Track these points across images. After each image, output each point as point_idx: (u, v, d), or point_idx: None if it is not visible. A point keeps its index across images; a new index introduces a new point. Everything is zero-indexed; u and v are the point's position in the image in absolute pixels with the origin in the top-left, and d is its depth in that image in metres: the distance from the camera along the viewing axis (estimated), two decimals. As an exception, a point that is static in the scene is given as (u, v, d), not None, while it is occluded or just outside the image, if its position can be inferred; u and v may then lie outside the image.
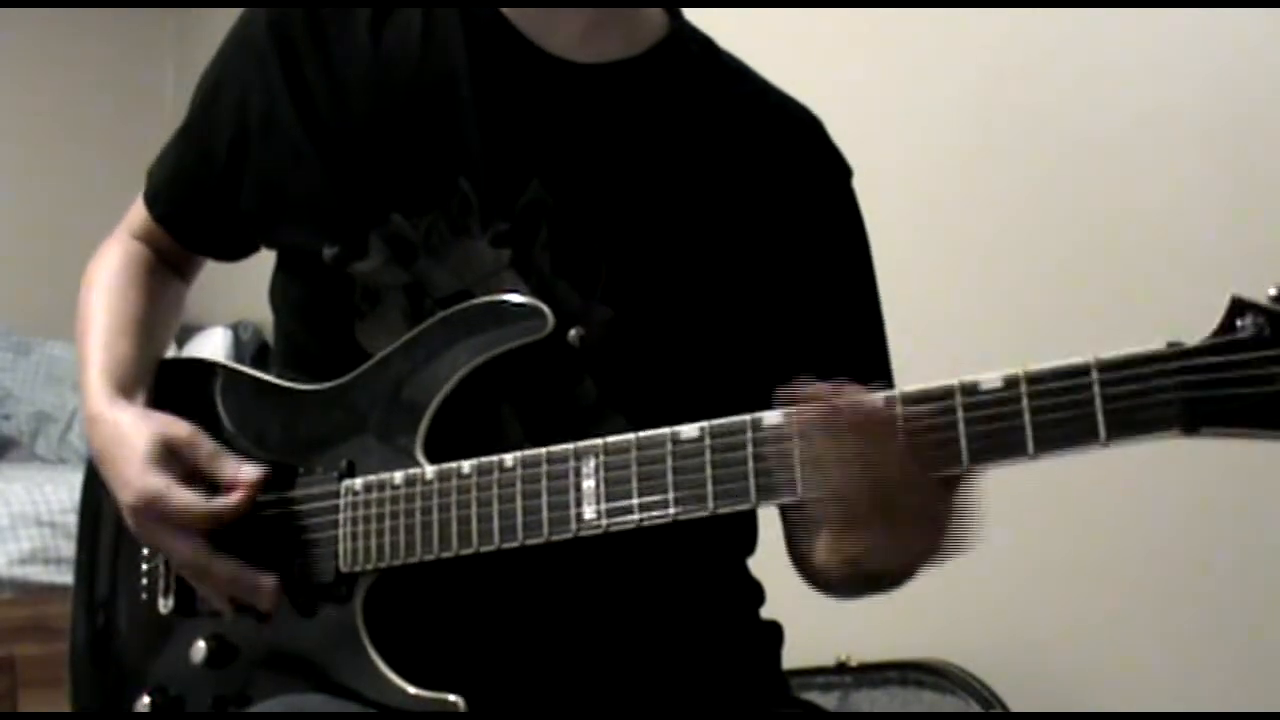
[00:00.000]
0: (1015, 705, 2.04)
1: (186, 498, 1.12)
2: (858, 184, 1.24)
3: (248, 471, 1.13)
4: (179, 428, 1.16)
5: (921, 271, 2.19)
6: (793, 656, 1.26)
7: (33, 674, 3.24)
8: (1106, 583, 2.03)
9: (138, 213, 1.33)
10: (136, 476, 1.13)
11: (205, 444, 1.15)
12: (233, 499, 1.12)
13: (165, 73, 4.81)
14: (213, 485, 1.14)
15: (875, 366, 1.18)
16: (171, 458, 1.14)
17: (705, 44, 1.24)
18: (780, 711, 1.21)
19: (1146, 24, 1.97)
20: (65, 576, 2.87)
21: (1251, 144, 1.86)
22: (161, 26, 4.87)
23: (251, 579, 1.12)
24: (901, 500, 0.91)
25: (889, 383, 1.13)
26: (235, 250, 1.30)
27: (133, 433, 1.16)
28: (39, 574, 3.34)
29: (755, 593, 1.24)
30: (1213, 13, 1.88)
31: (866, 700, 2.17)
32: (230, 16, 1.26)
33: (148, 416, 1.18)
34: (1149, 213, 1.98)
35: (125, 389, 1.22)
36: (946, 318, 2.19)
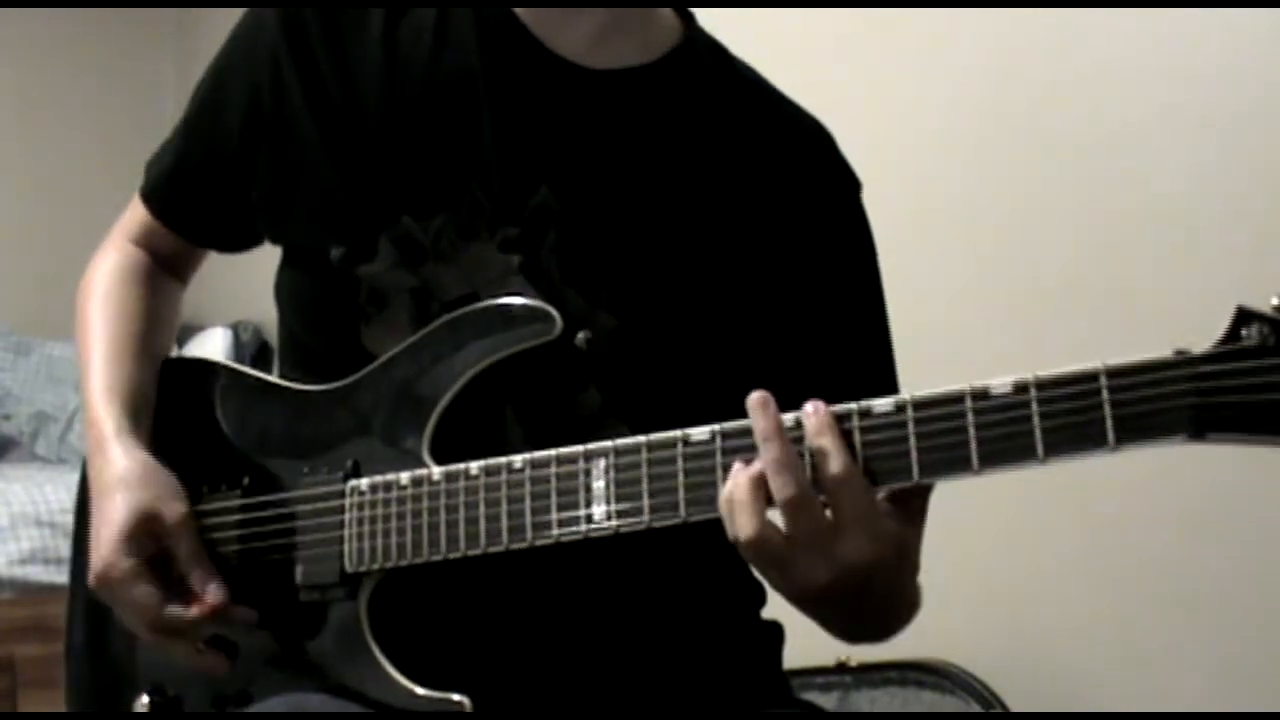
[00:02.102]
0: (1015, 705, 2.04)
1: (141, 594, 1.12)
2: (862, 183, 1.24)
3: (214, 593, 1.13)
4: (170, 508, 1.15)
5: (927, 274, 2.19)
6: (793, 656, 1.26)
7: (33, 674, 3.24)
8: (1107, 583, 2.03)
9: (134, 216, 1.33)
10: (106, 547, 1.13)
11: (187, 541, 1.14)
12: (188, 614, 1.12)
13: (166, 73, 4.81)
14: (180, 577, 1.14)
15: (881, 379, 1.18)
16: (147, 537, 1.14)
17: (718, 52, 1.24)
18: (780, 711, 1.21)
19: (1150, 23, 1.98)
20: (65, 576, 2.86)
21: (1257, 145, 1.86)
22: (162, 27, 4.87)
23: (202, 664, 1.14)
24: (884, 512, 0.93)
25: (893, 390, 1.14)
26: (238, 241, 1.30)
27: (121, 495, 1.15)
28: (39, 574, 3.34)
29: (756, 593, 1.24)
30: (1217, 11, 1.89)
31: (866, 700, 2.17)
32: (231, 16, 1.26)
33: (144, 478, 1.16)
34: (1153, 215, 1.98)
35: (133, 414, 1.22)
36: (944, 316, 2.19)
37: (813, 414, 0.92)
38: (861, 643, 1.16)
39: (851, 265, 1.21)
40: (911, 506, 0.96)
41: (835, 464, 0.91)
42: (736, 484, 0.93)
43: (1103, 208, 2.04)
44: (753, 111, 1.21)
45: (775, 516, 0.94)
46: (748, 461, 0.93)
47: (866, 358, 1.19)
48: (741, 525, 0.93)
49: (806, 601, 0.99)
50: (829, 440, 0.91)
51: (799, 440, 0.92)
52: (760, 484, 0.92)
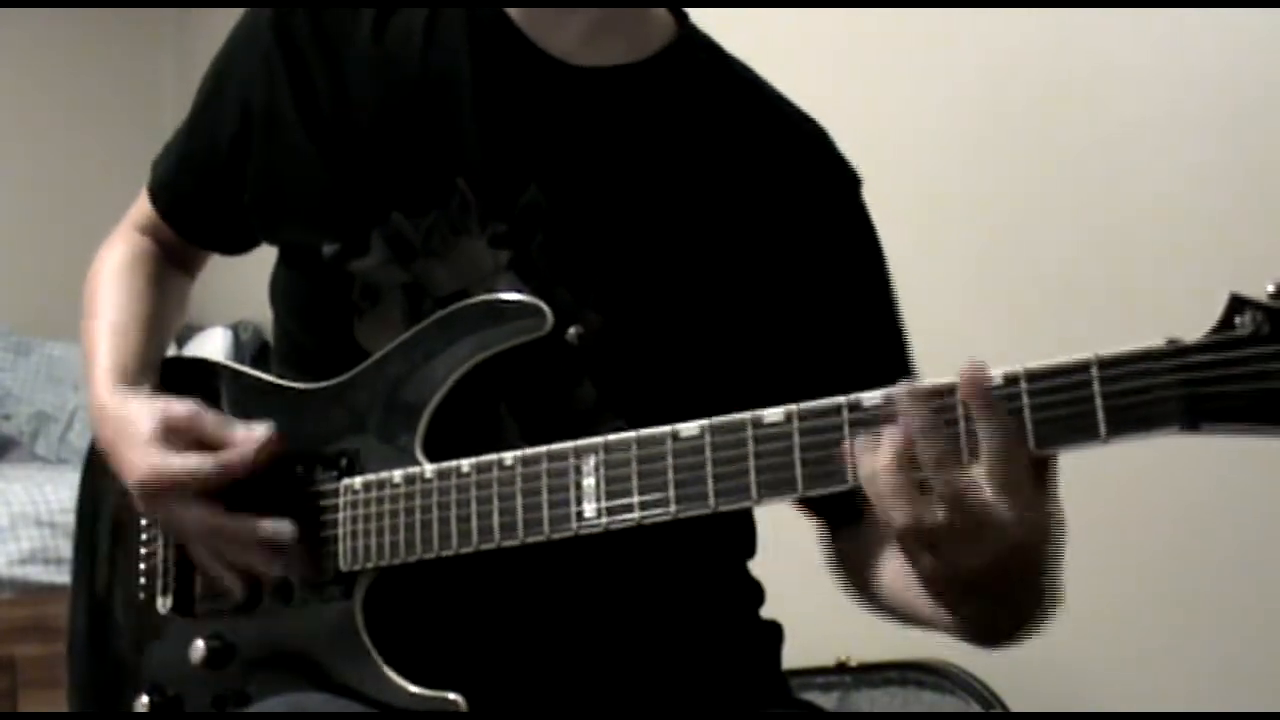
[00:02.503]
0: (1015, 705, 2.04)
1: (192, 461, 1.11)
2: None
3: (258, 429, 1.12)
4: (180, 406, 1.15)
5: (919, 269, 2.18)
6: (793, 656, 1.26)
7: (33, 674, 3.24)
8: (1106, 583, 2.03)
9: (142, 207, 1.34)
10: (141, 455, 1.13)
11: (208, 416, 1.14)
12: (242, 450, 1.11)
13: (166, 73, 4.81)
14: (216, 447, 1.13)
15: (897, 370, 1.17)
16: (174, 435, 1.13)
17: (712, 50, 1.23)
18: (780, 711, 1.21)
19: (1148, 23, 1.97)
20: (65, 576, 2.84)
21: (1251, 142, 1.86)
22: (162, 27, 4.87)
23: (271, 528, 1.10)
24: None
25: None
26: (237, 245, 1.30)
27: (136, 417, 1.15)
28: (39, 574, 3.34)
29: (755, 593, 1.24)
30: (1216, 12, 1.88)
31: (866, 700, 2.17)
32: (230, 15, 1.27)
33: (149, 401, 1.17)
34: (1152, 214, 1.97)
35: (131, 381, 1.22)
36: (944, 315, 2.19)
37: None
38: (999, 642, 1.05)
39: (854, 261, 1.20)
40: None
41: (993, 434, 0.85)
42: (881, 462, 0.87)
43: (1101, 207, 2.04)
44: (746, 110, 1.20)
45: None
46: (874, 439, 0.88)
47: (880, 354, 1.18)
48: (895, 504, 0.86)
49: (958, 587, 0.92)
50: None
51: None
52: (907, 456, 0.86)
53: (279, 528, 1.10)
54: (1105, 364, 0.82)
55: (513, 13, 1.16)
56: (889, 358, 1.18)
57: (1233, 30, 1.88)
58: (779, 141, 1.20)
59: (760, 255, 1.15)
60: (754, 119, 1.20)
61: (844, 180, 1.22)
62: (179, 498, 1.12)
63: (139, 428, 1.14)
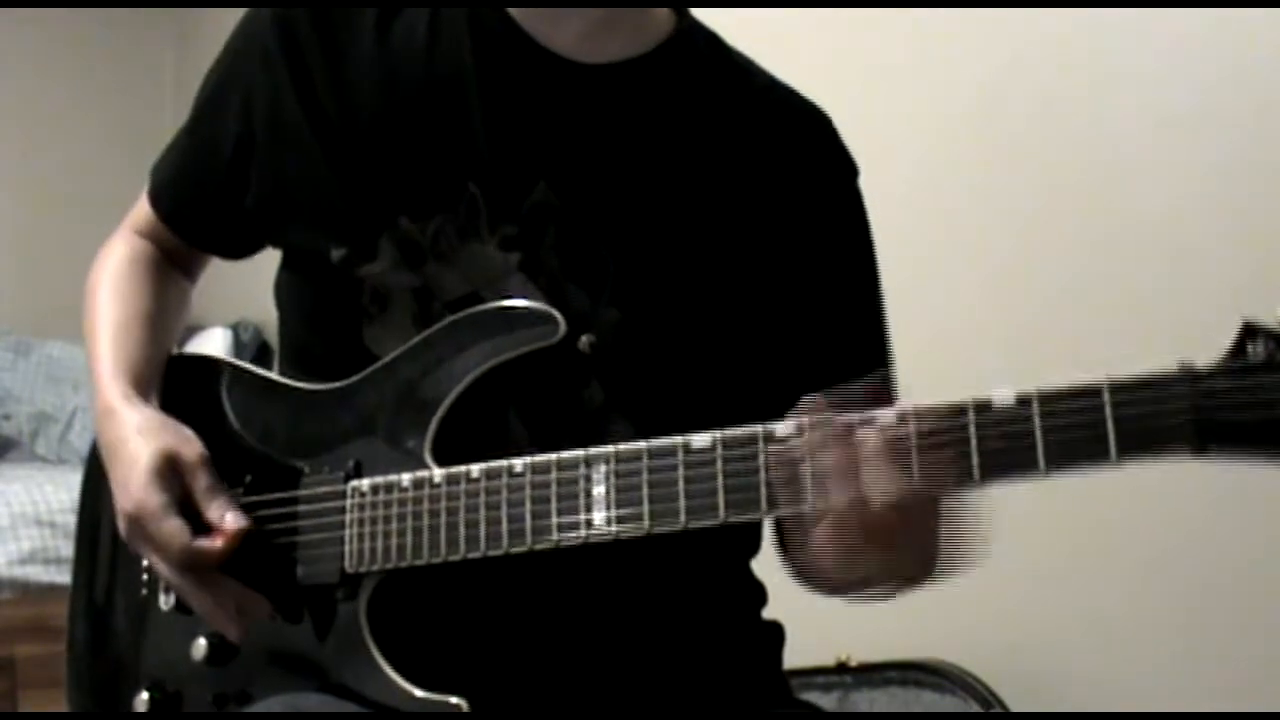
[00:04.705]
0: (1015, 705, 2.04)
1: (172, 528, 1.11)
2: (865, 188, 1.24)
3: (232, 521, 1.12)
4: (188, 448, 1.15)
5: (929, 283, 2.19)
6: (793, 656, 1.26)
7: (33, 674, 3.24)
8: (1106, 583, 2.03)
9: (142, 210, 1.33)
10: (135, 487, 1.13)
11: (204, 476, 1.14)
12: (214, 546, 1.11)
13: (166, 73, 4.81)
14: (200, 514, 1.14)
15: (875, 363, 1.17)
16: (173, 476, 1.14)
17: (713, 41, 1.24)
18: (780, 711, 1.21)
19: (1156, 27, 1.97)
20: (65, 576, 2.85)
21: (1260, 146, 1.86)
22: (162, 27, 4.87)
23: (226, 615, 1.13)
24: (905, 522, 0.91)
25: (889, 379, 1.14)
26: (239, 249, 1.30)
27: (141, 440, 1.15)
28: (39, 574, 3.34)
29: (757, 593, 1.24)
30: (1220, 13, 1.88)
31: (866, 700, 2.17)
32: (231, 16, 1.26)
33: (160, 425, 1.17)
34: (1159, 224, 1.97)
35: (139, 385, 1.22)
36: (954, 328, 2.19)
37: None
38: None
39: (847, 251, 1.21)
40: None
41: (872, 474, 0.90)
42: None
43: (1109, 218, 2.04)
44: (748, 97, 1.21)
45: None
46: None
47: (860, 342, 1.18)
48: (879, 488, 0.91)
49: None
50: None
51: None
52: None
53: (232, 621, 1.12)
54: (1117, 388, 0.83)
55: (514, 12, 1.17)
56: (867, 352, 1.18)
57: (1236, 33, 1.87)
58: (781, 127, 1.20)
59: (763, 244, 1.16)
60: (755, 105, 1.20)
61: (841, 167, 1.23)
62: (151, 546, 1.13)
63: (140, 454, 1.14)
